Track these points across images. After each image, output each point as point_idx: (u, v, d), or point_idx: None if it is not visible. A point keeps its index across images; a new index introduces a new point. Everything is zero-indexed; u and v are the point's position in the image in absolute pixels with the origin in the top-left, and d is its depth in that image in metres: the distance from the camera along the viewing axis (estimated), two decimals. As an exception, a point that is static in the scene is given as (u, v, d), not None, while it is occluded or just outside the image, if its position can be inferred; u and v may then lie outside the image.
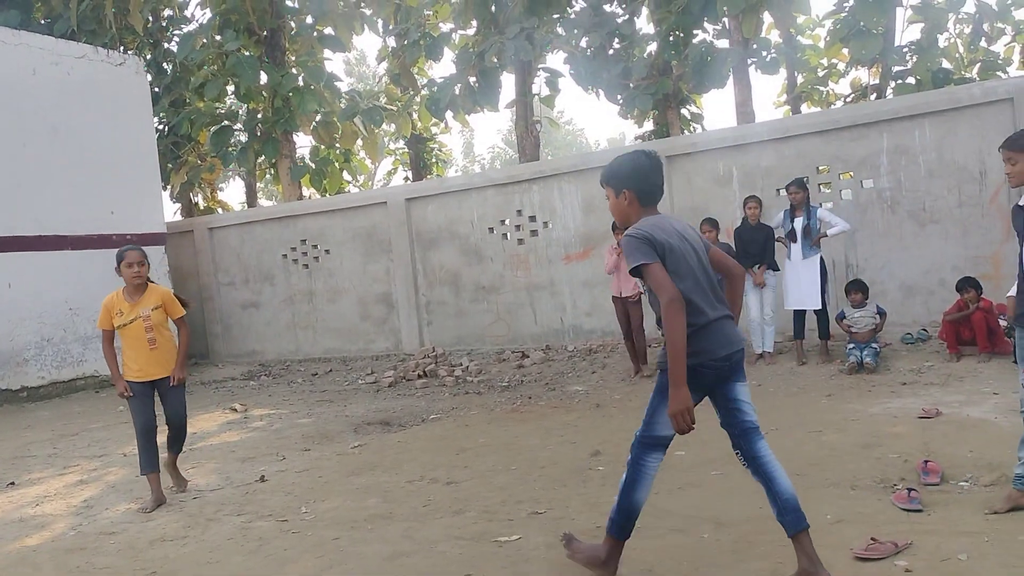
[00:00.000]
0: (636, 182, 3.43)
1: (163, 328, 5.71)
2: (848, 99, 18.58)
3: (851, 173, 9.60)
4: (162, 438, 5.74)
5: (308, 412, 8.74)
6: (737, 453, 3.45)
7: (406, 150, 24.34)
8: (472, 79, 15.98)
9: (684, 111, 17.58)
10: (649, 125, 18.47)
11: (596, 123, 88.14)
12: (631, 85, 15.47)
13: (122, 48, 16.94)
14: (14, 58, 11.79)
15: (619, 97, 15.81)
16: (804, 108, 19.78)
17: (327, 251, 13.40)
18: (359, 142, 19.87)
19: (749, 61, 14.79)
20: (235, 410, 9.31)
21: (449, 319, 12.39)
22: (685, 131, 17.02)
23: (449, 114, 17.29)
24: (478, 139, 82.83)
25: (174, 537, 4.79)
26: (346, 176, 20.35)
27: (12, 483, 6.58)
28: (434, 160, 23.32)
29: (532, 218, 11.68)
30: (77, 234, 12.30)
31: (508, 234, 11.93)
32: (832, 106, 19.18)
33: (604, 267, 9.16)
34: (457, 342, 12.22)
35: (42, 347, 11.79)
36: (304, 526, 4.75)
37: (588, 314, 11.33)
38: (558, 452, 5.96)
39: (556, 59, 66.40)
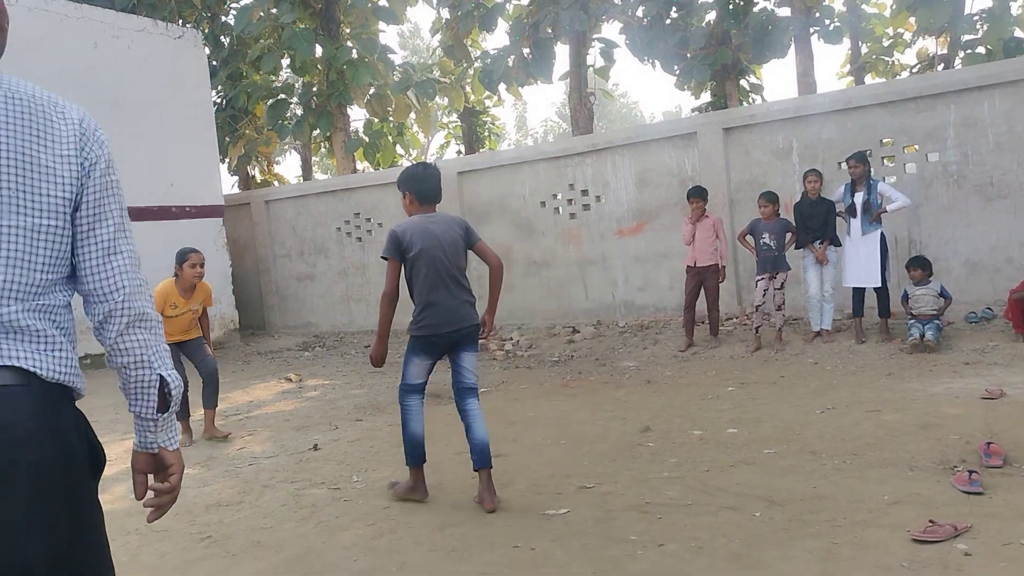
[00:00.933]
0: (413, 185, 4.46)
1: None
2: (914, 70, 17.99)
3: (916, 146, 9.29)
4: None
5: (360, 383, 8.84)
6: (456, 403, 4.56)
7: (459, 124, 24.30)
8: (526, 51, 15.84)
9: (743, 82, 17.20)
10: (706, 96, 18.12)
11: (651, 96, 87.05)
12: (688, 55, 15.16)
13: (181, 21, 17.15)
14: (76, 32, 12.03)
15: (676, 68, 15.51)
16: (868, 79, 19.20)
17: (380, 224, 13.47)
18: (412, 115, 19.88)
19: (811, 30, 14.38)
20: (290, 380, 9.47)
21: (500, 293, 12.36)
22: (744, 102, 16.66)
23: (502, 87, 17.18)
24: (531, 112, 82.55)
25: (229, 502, 4.89)
26: (399, 150, 20.41)
27: (76, 447, 6.78)
28: (487, 134, 23.24)
29: (584, 192, 11.58)
30: (138, 206, 12.55)
31: (560, 208, 11.85)
32: (898, 77, 18.57)
33: (682, 238, 9.05)
34: (508, 316, 12.22)
35: (105, 316, 12.09)
36: (355, 495, 4.81)
37: (640, 289, 11.22)
38: (607, 427, 5.93)
39: (611, 29, 65.61)
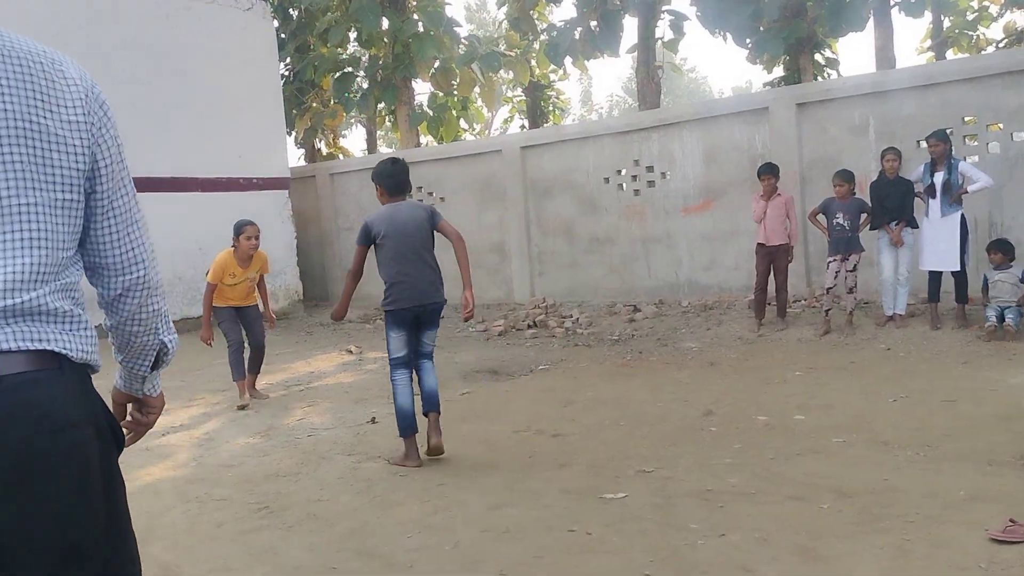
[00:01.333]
0: (382, 180, 5.04)
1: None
2: (1000, 44, 17.16)
3: (1000, 125, 8.84)
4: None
5: (420, 357, 8.85)
6: (413, 370, 5.04)
7: (523, 98, 24.11)
8: (593, 23, 15.56)
9: (818, 56, 16.64)
10: (779, 71, 17.60)
11: (720, 71, 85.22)
12: (761, 28, 14.71)
13: (250, -6, 17.30)
14: (149, 4, 12.21)
15: (748, 41, 15.06)
16: (949, 55, 18.40)
17: (442, 198, 13.45)
18: (476, 89, 19.78)
19: (891, 2, 13.79)
20: (351, 352, 9.53)
21: (561, 270, 12.27)
22: (818, 77, 16.12)
23: (568, 60, 16.95)
24: (597, 87, 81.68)
25: (287, 473, 4.92)
26: (463, 124, 20.35)
27: (142, 412, 6.92)
28: (551, 108, 23.01)
29: (650, 168, 11.35)
30: (207, 176, 12.76)
31: (624, 184, 11.64)
32: (982, 52, 17.75)
33: (752, 215, 8.81)
34: (568, 293, 12.10)
35: (174, 284, 12.35)
36: (411, 470, 4.79)
37: (706, 269, 10.98)
38: (669, 409, 5.80)
39: (682, 0, 64.14)
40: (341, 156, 21.07)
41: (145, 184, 11.92)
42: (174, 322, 9.58)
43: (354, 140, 66.14)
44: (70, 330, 1.51)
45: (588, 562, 3.31)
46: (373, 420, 6.06)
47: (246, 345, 7.13)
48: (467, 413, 6.12)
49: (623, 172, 11.62)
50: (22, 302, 1.42)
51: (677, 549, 3.37)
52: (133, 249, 1.65)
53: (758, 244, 8.71)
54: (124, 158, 1.65)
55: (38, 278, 1.45)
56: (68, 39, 11.20)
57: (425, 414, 4.95)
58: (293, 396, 7.26)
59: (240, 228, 6.90)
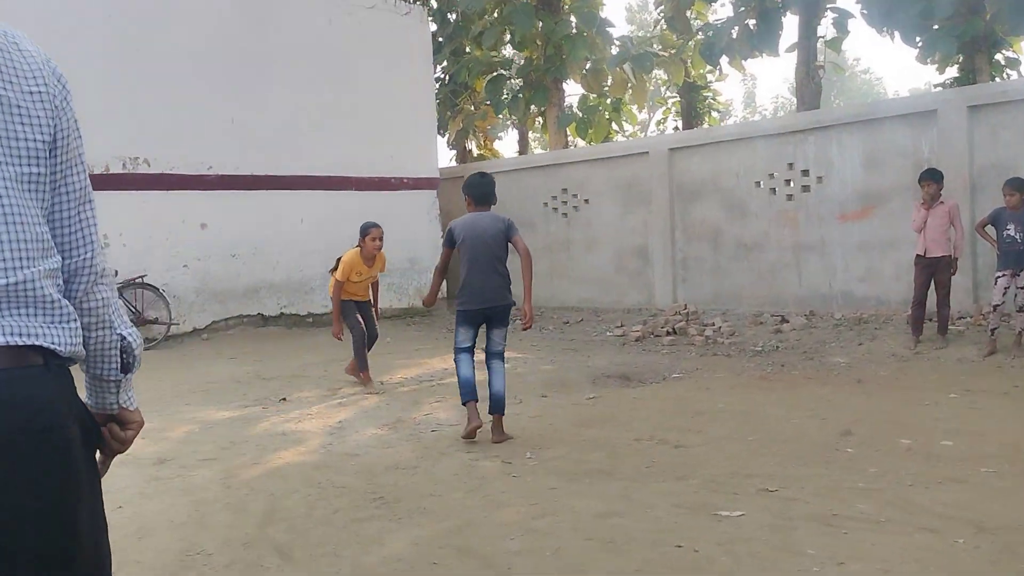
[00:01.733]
0: (471, 191, 5.60)
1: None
2: None
3: None
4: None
5: (552, 359, 8.82)
6: (485, 361, 5.63)
7: (678, 99, 23.65)
8: (751, 22, 15.04)
9: (997, 56, 15.37)
10: (953, 72, 16.39)
11: (895, 71, 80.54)
12: (934, 26, 13.73)
13: (410, -1, 17.88)
14: (314, 8, 12.83)
15: (918, 40, 14.11)
16: None
17: (586, 201, 13.38)
18: (629, 91, 19.56)
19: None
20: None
21: (705, 276, 11.92)
22: (996, 78, 14.90)
23: (724, 60, 16.47)
24: (761, 88, 79.11)
25: (406, 466, 5.00)
26: (614, 126, 20.18)
27: (284, 399, 7.26)
28: (706, 110, 22.44)
29: (805, 172, 10.84)
30: (360, 176, 13.26)
31: (777, 188, 11.18)
32: None
33: (911, 224, 8.26)
34: (712, 300, 11.74)
35: (326, 278, 12.79)
36: (525, 471, 4.76)
37: (861, 280, 10.36)
38: (803, 427, 5.49)
39: None
40: (491, 157, 21.39)
41: (303, 182, 12.56)
42: (323, 315, 10.06)
43: (508, 142, 67.13)
44: (57, 322, 1.44)
45: (690, 581, 3.16)
46: (497, 419, 6.07)
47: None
48: (591, 418, 6.03)
49: (775, 176, 11.16)
50: (13, 283, 1.37)
51: (787, 575, 3.16)
52: (83, 228, 1.56)
53: (917, 256, 8.13)
54: (80, 135, 1.57)
55: (23, 255, 1.38)
56: (231, 45, 11.94)
57: (490, 413, 5.50)
58: (424, 391, 7.39)
59: (366, 230, 7.44)
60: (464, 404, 5.53)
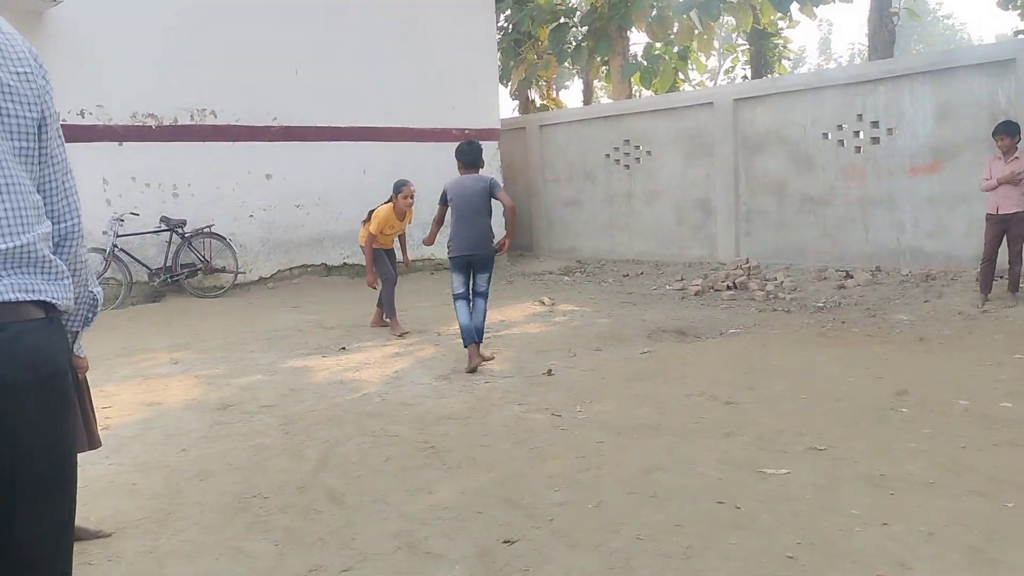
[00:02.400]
0: (459, 156, 6.61)
1: None
2: None
3: None
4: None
5: (609, 313, 8.82)
6: (467, 301, 6.54)
7: (747, 47, 22.96)
8: (823, -34, 14.47)
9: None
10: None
11: (979, 17, 76.58)
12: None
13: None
14: (375, -39, 12.77)
15: (1002, -18, 13.42)
16: None
17: (648, 152, 13.20)
18: (695, 39, 19.05)
19: None
20: (543, 303, 9.67)
21: (769, 230, 11.71)
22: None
23: (795, 6, 15.91)
24: (837, 34, 76.14)
25: (458, 416, 5.11)
26: (680, 75, 19.73)
27: (343, 348, 7.45)
28: (777, 58, 21.75)
29: (875, 124, 10.49)
30: (421, 127, 13.29)
31: (844, 140, 10.85)
32: None
33: (980, 185, 7.98)
34: (775, 255, 11.54)
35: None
36: (574, 424, 4.82)
37: (930, 235, 10.06)
38: (859, 386, 5.41)
39: (937, -59, 58.14)
40: (554, 107, 21.18)
41: (365, 133, 12.67)
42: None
43: (572, 92, 66.21)
44: (55, 279, 1.62)
45: (728, 536, 3.19)
46: (549, 372, 6.13)
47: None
48: (643, 373, 6.05)
49: (844, 127, 10.84)
50: (16, 246, 1.53)
51: (828, 534, 3.16)
52: (67, 197, 1.73)
53: (988, 214, 7.85)
54: (57, 114, 1.73)
55: (23, 221, 1.55)
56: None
57: (465, 345, 6.41)
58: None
59: (399, 187, 8.00)
60: (465, 347, 6.45)
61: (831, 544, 3.09)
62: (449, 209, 6.56)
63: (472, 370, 6.27)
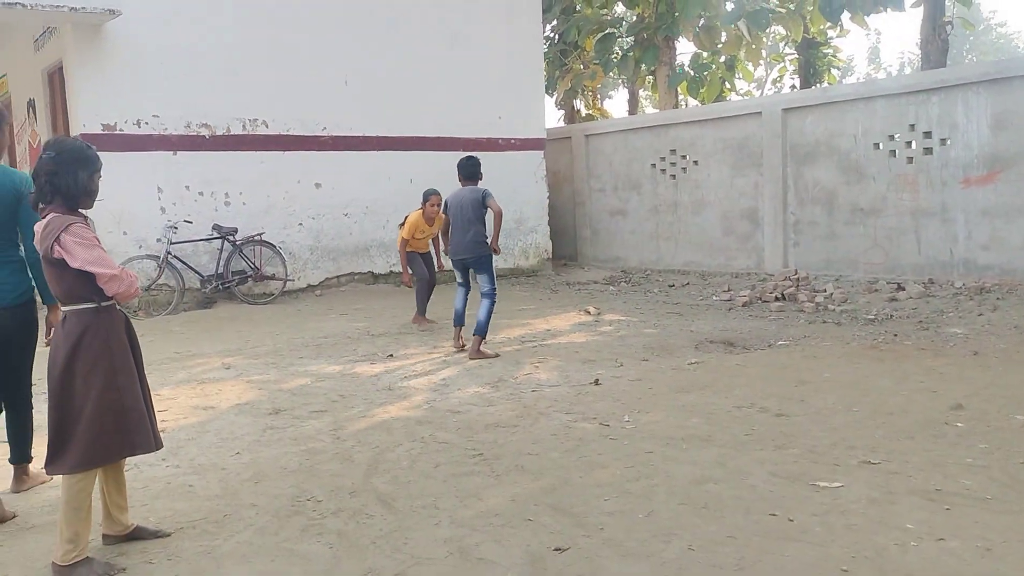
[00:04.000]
0: (460, 170, 7.63)
1: None
2: None
3: None
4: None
5: (656, 323, 8.79)
6: (466, 290, 7.81)
7: (796, 56, 22.72)
8: (874, -26, 14.30)
9: None
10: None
11: (1038, 23, 74.73)
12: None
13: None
14: (424, -28, 12.91)
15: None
16: None
17: (695, 162, 13.13)
18: (744, 48, 18.92)
19: None
20: (588, 312, 9.67)
21: (818, 241, 11.57)
22: None
23: (845, 15, 15.73)
24: (886, 44, 74.93)
25: (506, 424, 5.13)
26: (727, 84, 19.60)
27: (391, 355, 7.52)
28: (826, 67, 21.48)
29: (927, 134, 10.32)
30: (468, 137, 13.37)
31: (896, 151, 10.69)
32: None
33: None
34: (824, 266, 11.40)
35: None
36: (622, 434, 4.81)
37: (985, 248, 9.85)
38: (912, 400, 5.33)
39: (993, -52, 56.95)
40: (600, 117, 21.17)
41: (412, 143, 12.81)
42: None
43: (618, 102, 66.16)
44: None
45: (781, 549, 3.17)
46: (596, 382, 6.13)
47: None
48: (691, 384, 6.02)
49: (896, 137, 10.68)
50: None
51: (883, 549, 3.12)
52: None
53: None
54: None
55: None
56: (344, 9, 12.18)
57: (473, 335, 7.27)
58: (526, 352, 7.51)
59: (427, 197, 8.83)
60: (454, 327, 7.75)
61: (886, 558, 3.05)
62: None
63: (458, 349, 7.53)
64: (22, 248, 4.08)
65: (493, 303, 7.39)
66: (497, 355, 7.24)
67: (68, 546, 3.18)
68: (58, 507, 3.30)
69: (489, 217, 7.53)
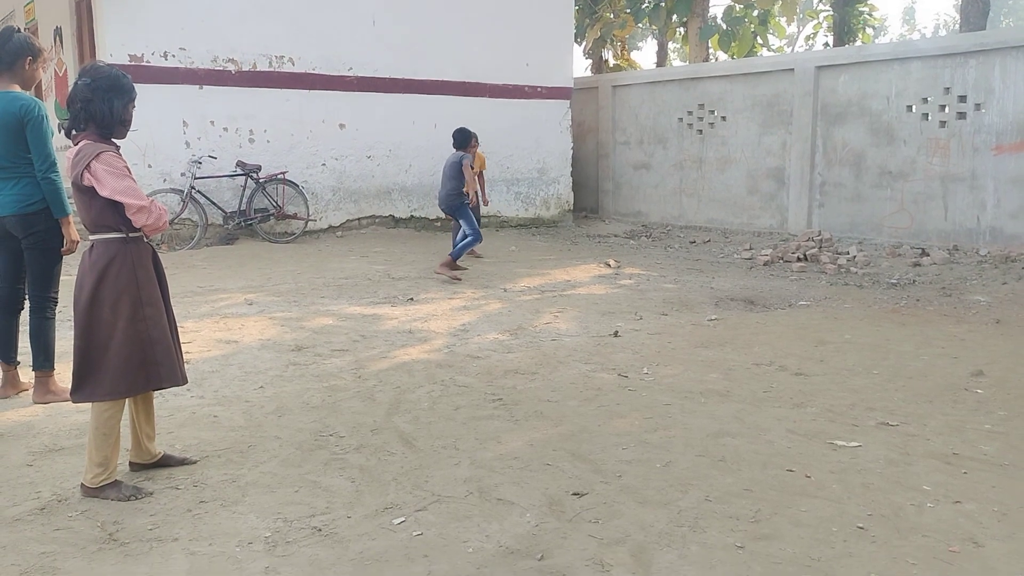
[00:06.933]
0: (453, 137, 9.35)
1: None
2: None
3: None
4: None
5: (676, 279, 8.78)
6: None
7: (830, 13, 22.25)
8: (919, -69, 13.87)
9: None
10: None
11: (1082, -12, 72.44)
12: None
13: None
14: (456, -88, 12.66)
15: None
16: None
17: (723, 118, 12.96)
18: (778, 3, 18.54)
19: None
20: (608, 265, 9.66)
21: (844, 203, 11.45)
22: None
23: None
24: (922, 4, 73.16)
25: (526, 371, 5.17)
26: (759, 40, 19.24)
27: (411, 299, 7.56)
28: (861, 26, 21.04)
29: (962, 98, 10.13)
30: (495, 83, 13.25)
31: (929, 114, 10.50)
32: None
33: None
34: (849, 228, 11.30)
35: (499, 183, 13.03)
36: (641, 386, 4.84)
37: (1013, 216, 9.73)
38: (932, 364, 5.32)
39: (1041, -92, 55.09)
40: (628, 68, 20.87)
41: (438, 87, 12.69)
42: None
43: (647, 52, 65.14)
44: None
45: (798, 503, 3.20)
46: (616, 334, 6.15)
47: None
48: (710, 340, 6.03)
49: (929, 100, 10.48)
50: None
51: (900, 508, 3.15)
52: None
53: None
54: None
55: None
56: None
57: (449, 256, 8.92)
58: (546, 301, 7.53)
59: (475, 139, 9.60)
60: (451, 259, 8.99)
61: (902, 518, 3.08)
62: None
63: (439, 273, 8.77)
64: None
65: (472, 241, 8.88)
66: (459, 279, 8.57)
67: (97, 469, 3.26)
68: (87, 431, 3.37)
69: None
